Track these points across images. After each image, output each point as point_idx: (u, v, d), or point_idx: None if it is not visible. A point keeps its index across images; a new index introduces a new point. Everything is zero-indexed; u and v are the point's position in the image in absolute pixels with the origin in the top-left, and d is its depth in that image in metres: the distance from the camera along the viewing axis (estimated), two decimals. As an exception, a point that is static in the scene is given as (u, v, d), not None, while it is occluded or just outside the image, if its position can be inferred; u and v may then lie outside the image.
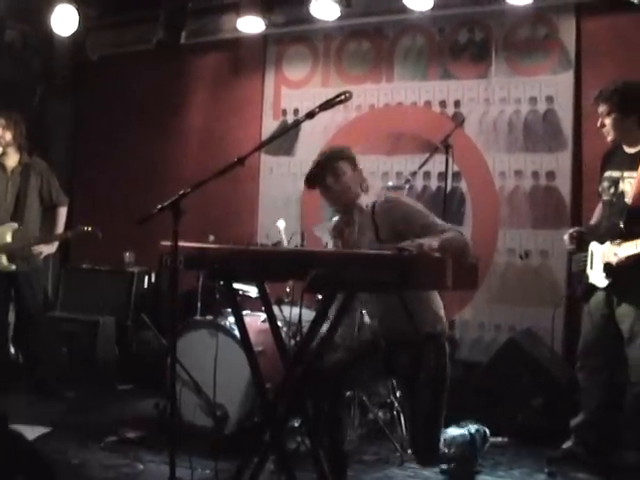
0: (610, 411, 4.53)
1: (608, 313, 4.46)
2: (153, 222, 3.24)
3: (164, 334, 5.50)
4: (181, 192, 3.26)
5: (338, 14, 6.57)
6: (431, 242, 3.35)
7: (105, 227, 6.15)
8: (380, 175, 6.57)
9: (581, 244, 4.62)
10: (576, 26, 6.18)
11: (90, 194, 7.99)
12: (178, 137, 7.90)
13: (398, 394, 5.06)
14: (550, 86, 6.21)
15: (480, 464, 4.57)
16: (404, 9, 6.38)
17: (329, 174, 3.94)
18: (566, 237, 4.70)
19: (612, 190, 4.46)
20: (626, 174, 4.39)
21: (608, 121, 4.44)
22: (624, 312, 4.37)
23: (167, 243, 3.30)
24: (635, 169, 4.33)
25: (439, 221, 3.74)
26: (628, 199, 4.32)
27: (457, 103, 6.51)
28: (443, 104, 6.53)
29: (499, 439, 5.04)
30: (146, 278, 7.22)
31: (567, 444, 4.63)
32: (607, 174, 4.53)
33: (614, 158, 4.56)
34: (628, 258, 4.22)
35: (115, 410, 5.75)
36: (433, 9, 6.33)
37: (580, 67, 6.15)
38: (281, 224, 5.22)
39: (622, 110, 4.39)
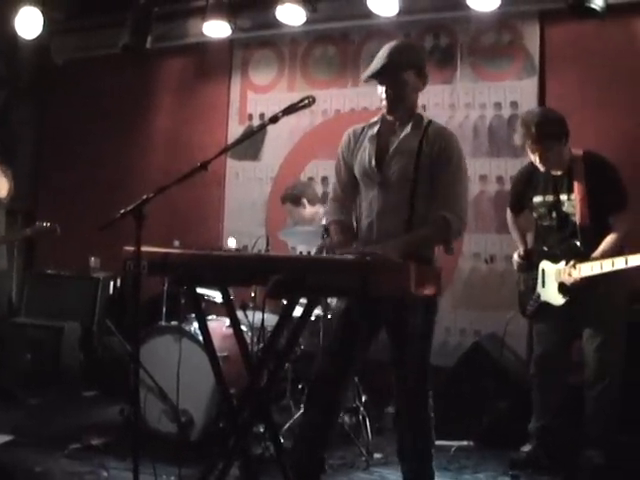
0: (567, 414, 4.59)
1: (564, 324, 4.54)
2: (119, 227, 3.21)
3: (129, 340, 5.46)
4: (144, 197, 3.24)
5: (304, 19, 6.59)
6: (395, 248, 3.36)
7: (70, 232, 6.12)
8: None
9: (530, 264, 4.72)
10: (540, 33, 6.26)
11: (55, 199, 7.93)
12: (144, 141, 7.88)
13: (363, 399, 5.06)
14: (514, 92, 6.27)
15: None
16: (370, 14, 6.41)
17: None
18: (516, 257, 4.78)
19: (553, 214, 4.56)
20: (563, 197, 4.50)
21: (537, 157, 4.50)
22: (582, 320, 4.48)
23: (130, 248, 3.27)
24: (569, 191, 4.47)
25: (459, 203, 3.58)
26: (577, 219, 4.42)
27: (422, 108, 6.46)
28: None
29: (464, 443, 5.06)
30: (111, 283, 7.18)
31: (527, 447, 4.69)
32: (538, 200, 4.63)
33: (537, 182, 4.66)
34: (583, 279, 4.32)
35: (79, 417, 5.70)
36: (399, 14, 6.37)
37: (544, 73, 6.23)
38: (232, 242, 5.21)
39: (562, 140, 4.47)
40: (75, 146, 8.01)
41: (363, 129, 3.83)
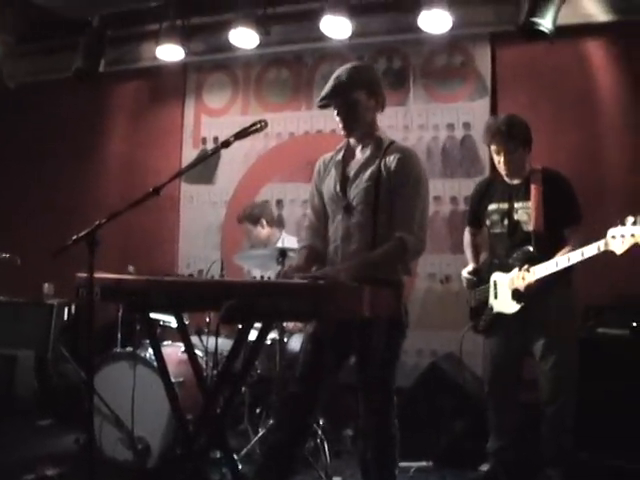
0: (524, 432, 4.61)
1: (516, 339, 4.55)
2: (73, 253, 3.19)
3: (84, 367, 5.39)
4: (96, 223, 3.21)
5: (257, 42, 6.61)
6: (349, 268, 3.37)
7: (24, 258, 6.05)
8: (300, 203, 6.60)
9: (480, 279, 4.76)
10: (491, 54, 6.37)
11: (8, 224, 7.83)
12: (99, 166, 7.84)
13: (321, 422, 5.04)
14: (467, 113, 6.33)
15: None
16: (323, 37, 6.45)
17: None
18: (465, 274, 4.83)
19: (505, 222, 4.59)
20: (517, 205, 4.54)
21: (502, 159, 4.56)
22: (534, 334, 4.48)
23: (83, 274, 3.24)
24: (524, 199, 4.51)
25: (416, 222, 3.56)
26: (530, 226, 4.46)
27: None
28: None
29: (423, 463, 5.07)
30: (66, 310, 7.07)
31: (485, 467, 4.69)
32: (492, 207, 4.67)
33: (493, 191, 4.72)
34: (538, 282, 4.33)
35: (34, 446, 5.58)
36: (351, 37, 6.41)
37: (496, 93, 6.32)
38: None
39: (523, 146, 4.55)
40: (28, 171, 7.92)
41: (332, 156, 3.85)
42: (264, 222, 5.81)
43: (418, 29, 6.20)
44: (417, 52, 6.61)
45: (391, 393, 3.68)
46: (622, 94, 5.98)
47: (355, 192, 3.65)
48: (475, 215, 4.87)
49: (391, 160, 3.60)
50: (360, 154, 3.73)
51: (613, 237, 3.96)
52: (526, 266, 4.38)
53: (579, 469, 4.54)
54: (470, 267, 4.84)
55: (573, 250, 4.27)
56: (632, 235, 3.90)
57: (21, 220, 7.87)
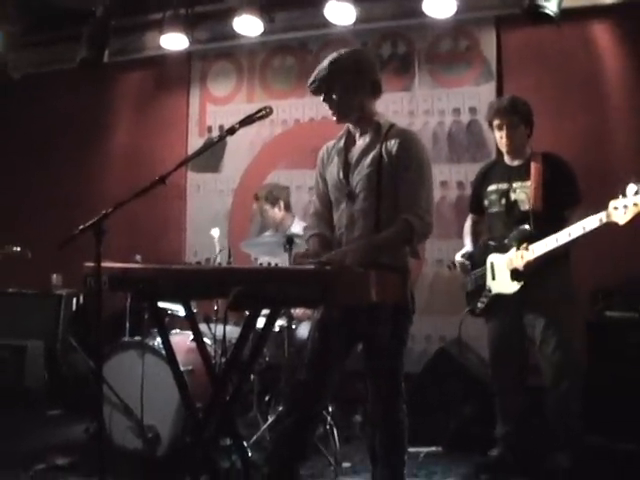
0: (530, 416, 4.60)
1: (516, 320, 4.55)
2: (81, 243, 3.20)
3: (93, 356, 5.40)
4: (102, 212, 3.22)
5: (262, 30, 6.60)
6: (355, 251, 3.37)
7: (31, 249, 6.05)
8: (307, 189, 6.57)
9: (473, 263, 4.77)
10: (496, 38, 6.34)
11: (15, 215, 7.84)
12: (104, 156, 7.83)
13: (330, 408, 5.05)
14: (473, 97, 6.31)
15: None
16: (327, 24, 6.44)
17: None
18: (458, 257, 4.84)
19: (503, 201, 4.59)
20: (515, 184, 4.55)
21: (504, 133, 4.58)
22: (534, 318, 4.48)
23: (91, 264, 3.25)
24: (523, 179, 4.52)
25: (422, 205, 3.52)
26: (528, 206, 4.47)
27: (382, 116, 6.56)
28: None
29: (433, 448, 5.07)
30: (74, 300, 7.10)
31: (495, 452, 4.68)
32: (492, 188, 4.68)
33: (494, 173, 4.75)
34: (537, 259, 4.33)
35: (44, 436, 5.61)
36: (355, 23, 6.40)
37: (501, 78, 6.30)
38: (215, 232, 5.17)
39: (523, 123, 4.59)
40: (34, 161, 7.93)
41: (334, 144, 3.83)
42: (282, 204, 5.84)
43: (423, 14, 6.19)
44: (422, 37, 6.59)
45: (399, 379, 3.67)
46: (628, 77, 5.95)
47: (357, 179, 3.63)
48: (477, 199, 4.85)
49: (392, 144, 3.57)
50: (361, 140, 3.70)
51: (615, 208, 3.96)
52: (525, 244, 4.38)
53: (588, 453, 4.54)
54: (463, 250, 4.83)
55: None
56: (635, 204, 3.90)
57: (28, 211, 7.87)
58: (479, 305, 4.69)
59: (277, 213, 5.86)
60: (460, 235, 5.48)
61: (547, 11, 5.52)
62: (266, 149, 7.03)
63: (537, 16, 5.63)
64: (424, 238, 3.64)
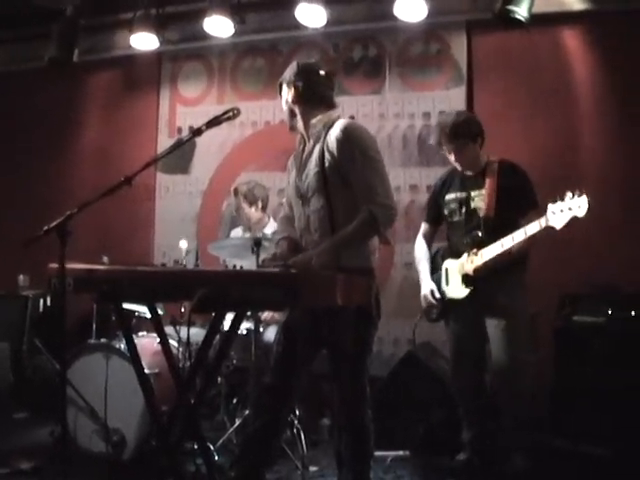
0: (496, 419, 4.60)
1: (474, 324, 4.57)
2: (48, 243, 3.17)
3: (58, 359, 5.35)
4: (67, 213, 3.18)
5: (232, 31, 6.57)
6: (321, 256, 3.35)
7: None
8: (276, 192, 6.53)
9: (432, 269, 4.82)
10: (467, 42, 6.36)
11: (-19, 215, 7.76)
12: (73, 156, 7.77)
13: (297, 412, 5.03)
14: (443, 101, 6.33)
15: None
16: (298, 25, 6.44)
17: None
18: (427, 296, 4.79)
19: (463, 209, 4.62)
20: (474, 193, 4.58)
21: (453, 157, 4.63)
22: (488, 321, 4.51)
23: (55, 265, 3.21)
24: (480, 187, 4.55)
25: (378, 190, 3.49)
26: (482, 212, 4.51)
27: (352, 118, 6.51)
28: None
29: (400, 453, 5.07)
30: (41, 302, 7.02)
31: (462, 456, 4.69)
32: (450, 196, 4.70)
33: (452, 182, 4.76)
34: (486, 264, 4.39)
35: (9, 440, 5.52)
36: (327, 25, 6.40)
37: (472, 82, 6.33)
38: (183, 244, 5.13)
39: (474, 139, 4.60)
40: (1, 161, 7.84)
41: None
42: (260, 205, 5.82)
43: (394, 17, 6.20)
44: (393, 40, 6.60)
45: (363, 384, 3.67)
46: (597, 82, 5.99)
47: (306, 181, 3.67)
48: (436, 208, 4.85)
49: (331, 140, 3.57)
50: (308, 144, 3.74)
51: (553, 213, 4.03)
52: (474, 250, 4.44)
53: (554, 456, 4.56)
54: (426, 286, 4.78)
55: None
56: (569, 209, 4.00)
57: (-6, 211, 7.79)
58: (434, 311, 4.73)
59: (253, 213, 5.83)
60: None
61: (518, 16, 5.56)
62: (236, 151, 7.00)
63: (508, 21, 5.67)
64: (390, 223, 3.57)
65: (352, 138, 3.56)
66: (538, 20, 5.74)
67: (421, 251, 4.91)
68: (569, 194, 3.99)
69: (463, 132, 4.56)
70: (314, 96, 3.73)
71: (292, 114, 3.76)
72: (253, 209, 5.82)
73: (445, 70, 6.40)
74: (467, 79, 6.31)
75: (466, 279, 4.51)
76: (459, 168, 4.66)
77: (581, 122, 6.02)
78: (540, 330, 5.05)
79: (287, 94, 3.75)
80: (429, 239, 4.92)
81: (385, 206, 3.48)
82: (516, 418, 4.41)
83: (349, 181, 3.54)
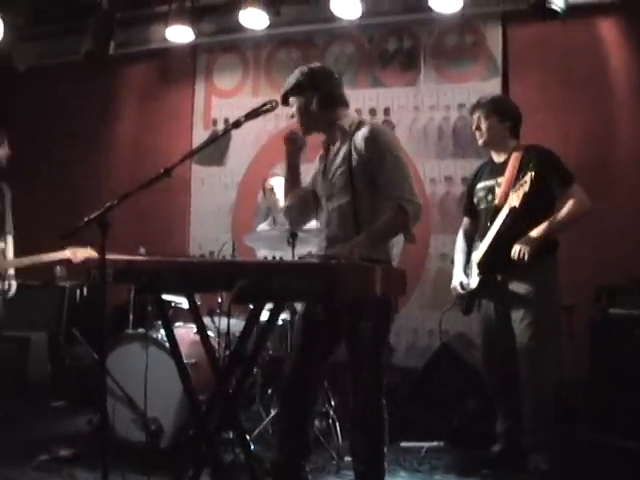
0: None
1: (501, 315, 4.57)
2: (85, 235, 3.20)
3: (96, 349, 5.41)
4: (107, 204, 3.21)
5: (267, 23, 6.59)
6: (359, 248, 3.38)
7: (35, 240, 6.04)
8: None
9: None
10: (502, 34, 6.33)
11: (19, 207, 7.82)
12: (109, 148, 7.84)
13: (333, 402, 5.06)
14: (478, 92, 6.22)
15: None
16: (333, 18, 6.44)
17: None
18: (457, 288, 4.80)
19: (490, 197, 4.62)
20: (500, 180, 4.56)
21: (484, 125, 4.63)
22: (513, 313, 4.49)
23: (95, 256, 3.25)
24: (505, 174, 4.53)
25: (406, 188, 3.58)
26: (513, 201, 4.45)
27: (387, 110, 6.58)
28: (373, 112, 6.59)
29: (435, 443, 5.07)
30: (78, 292, 7.10)
31: (496, 447, 4.68)
32: (480, 185, 4.72)
33: (484, 172, 4.77)
34: (486, 254, 4.48)
35: (48, 428, 5.61)
36: (362, 18, 6.40)
37: (507, 73, 6.30)
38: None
39: (498, 115, 4.60)
40: (39, 154, 7.92)
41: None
42: None
43: (429, 8, 6.18)
44: (428, 32, 6.59)
45: (379, 375, 3.70)
46: (634, 73, 5.94)
47: (332, 180, 3.77)
48: (470, 198, 4.86)
49: (359, 141, 3.67)
50: (332, 146, 3.84)
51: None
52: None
53: (589, 449, 4.54)
54: (456, 279, 4.79)
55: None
56: (521, 185, 4.20)
57: (32, 204, 7.86)
58: (463, 302, 4.72)
59: None
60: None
61: (554, 7, 5.51)
62: (271, 142, 7.01)
63: (544, 12, 5.61)
64: (417, 220, 3.65)
65: (381, 138, 3.68)
66: (574, 11, 5.69)
67: (458, 244, 4.92)
68: None
69: (494, 105, 4.62)
70: (336, 99, 3.83)
71: (312, 120, 3.81)
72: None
73: (480, 62, 6.38)
74: (502, 71, 6.28)
75: (478, 269, 4.55)
76: (479, 142, 4.68)
77: (617, 113, 5.97)
78: (576, 322, 5.03)
79: (305, 101, 3.78)
80: (468, 231, 4.89)
81: (414, 202, 3.58)
82: (535, 408, 4.38)
83: (375, 180, 3.63)
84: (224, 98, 7.37)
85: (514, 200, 4.30)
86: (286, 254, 4.79)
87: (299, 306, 5.34)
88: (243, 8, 6.47)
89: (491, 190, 4.61)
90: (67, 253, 5.40)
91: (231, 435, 4.46)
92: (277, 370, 5.26)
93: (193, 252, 6.77)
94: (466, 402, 5.22)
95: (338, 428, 4.96)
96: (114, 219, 3.22)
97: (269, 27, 6.68)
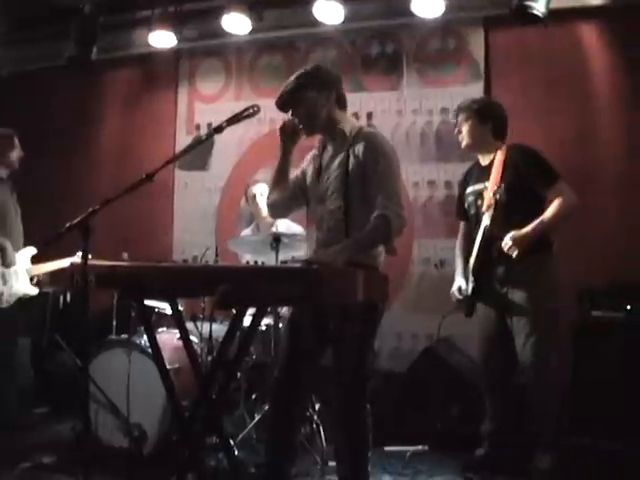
0: (519, 415, 4.60)
1: (499, 319, 4.59)
2: (68, 240, 3.19)
3: (79, 354, 5.38)
4: (90, 210, 3.21)
5: (250, 28, 6.60)
6: (343, 253, 3.38)
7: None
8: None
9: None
10: (485, 38, 6.35)
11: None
12: (92, 154, 7.81)
13: (317, 407, 5.05)
14: (461, 97, 6.22)
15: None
16: (316, 22, 6.45)
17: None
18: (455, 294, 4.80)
19: (479, 202, 4.63)
20: (487, 184, 4.57)
21: (465, 128, 4.68)
22: (510, 316, 4.51)
23: (77, 262, 3.24)
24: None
25: (394, 200, 3.60)
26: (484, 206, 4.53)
27: (369, 115, 6.59)
28: (355, 116, 6.56)
29: (419, 447, 5.08)
30: (61, 298, 7.07)
31: (480, 450, 4.69)
32: (469, 190, 4.75)
33: (473, 175, 4.80)
34: (476, 258, 4.51)
35: (30, 434, 5.58)
36: (344, 22, 6.41)
37: (489, 77, 6.32)
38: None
39: (479, 117, 4.65)
40: (21, 159, 7.87)
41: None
42: None
43: (411, 13, 6.20)
44: (410, 36, 6.60)
45: (364, 379, 3.71)
46: (615, 78, 5.96)
47: (326, 182, 3.77)
48: (461, 203, 4.88)
49: (359, 147, 3.68)
50: (330, 147, 3.84)
51: None
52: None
53: (573, 453, 4.55)
54: (456, 284, 4.79)
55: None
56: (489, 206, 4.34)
57: (15, 209, 7.83)
58: (464, 305, 4.71)
59: (270, 218, 5.81)
60: (447, 235, 5.51)
61: (535, 12, 5.53)
62: (254, 147, 7.02)
63: (525, 17, 5.63)
64: (400, 233, 3.67)
65: (380, 149, 3.68)
66: (555, 15, 5.70)
67: (457, 249, 4.94)
68: None
69: (467, 106, 4.69)
70: (341, 99, 3.85)
71: (320, 119, 3.79)
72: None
73: (463, 66, 6.40)
74: (485, 75, 6.30)
75: (472, 275, 4.56)
76: (462, 145, 4.72)
77: (598, 116, 6.00)
78: (558, 325, 5.05)
79: (317, 100, 3.77)
80: (466, 236, 4.88)
81: (398, 215, 3.59)
82: (544, 414, 4.41)
83: (368, 186, 3.62)
84: (207, 103, 7.36)
85: (486, 219, 4.42)
86: (269, 259, 4.81)
87: (284, 310, 5.37)
88: (226, 13, 6.49)
89: (480, 194, 4.62)
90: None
91: (215, 440, 4.46)
92: (261, 375, 5.28)
93: (177, 257, 6.75)
94: (450, 406, 5.23)
95: (322, 432, 4.95)
96: (97, 224, 3.22)
97: (252, 32, 6.69)
